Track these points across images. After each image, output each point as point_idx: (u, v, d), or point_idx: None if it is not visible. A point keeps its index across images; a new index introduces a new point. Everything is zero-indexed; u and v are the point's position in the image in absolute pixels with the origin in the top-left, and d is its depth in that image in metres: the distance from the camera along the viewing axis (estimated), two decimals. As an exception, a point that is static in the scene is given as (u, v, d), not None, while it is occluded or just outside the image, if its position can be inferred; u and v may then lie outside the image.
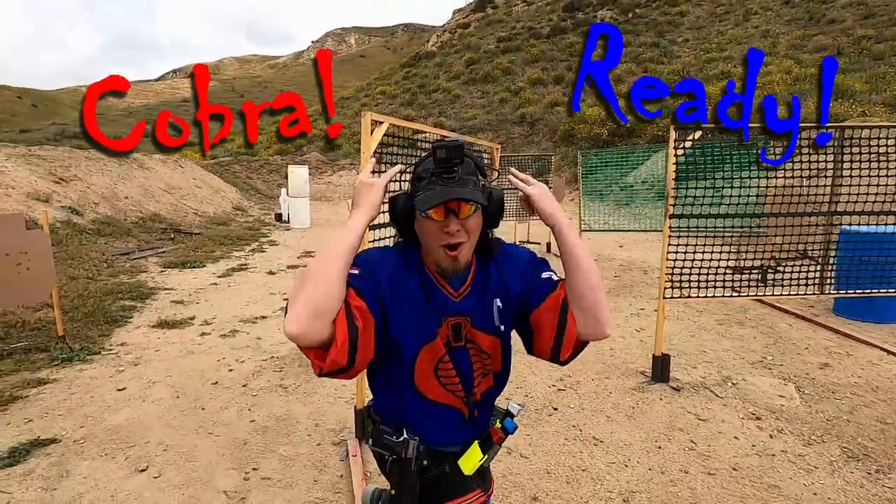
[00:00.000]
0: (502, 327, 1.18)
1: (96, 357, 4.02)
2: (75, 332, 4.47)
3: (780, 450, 2.67)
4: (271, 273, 7.46)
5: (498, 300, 1.16)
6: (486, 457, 1.25)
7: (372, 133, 2.55)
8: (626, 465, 2.52)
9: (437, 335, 1.12)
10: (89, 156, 13.54)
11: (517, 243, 8.04)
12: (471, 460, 1.24)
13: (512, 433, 1.26)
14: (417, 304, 1.09)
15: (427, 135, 3.18)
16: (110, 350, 4.19)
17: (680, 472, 2.46)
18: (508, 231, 10.54)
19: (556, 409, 3.12)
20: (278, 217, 15.26)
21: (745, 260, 5.38)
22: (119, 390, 3.43)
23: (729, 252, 4.38)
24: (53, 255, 7.34)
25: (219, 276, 7.16)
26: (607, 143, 18.18)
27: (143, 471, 2.50)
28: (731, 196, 3.67)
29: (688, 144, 3.21)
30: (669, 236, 3.31)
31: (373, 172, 1.24)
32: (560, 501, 2.25)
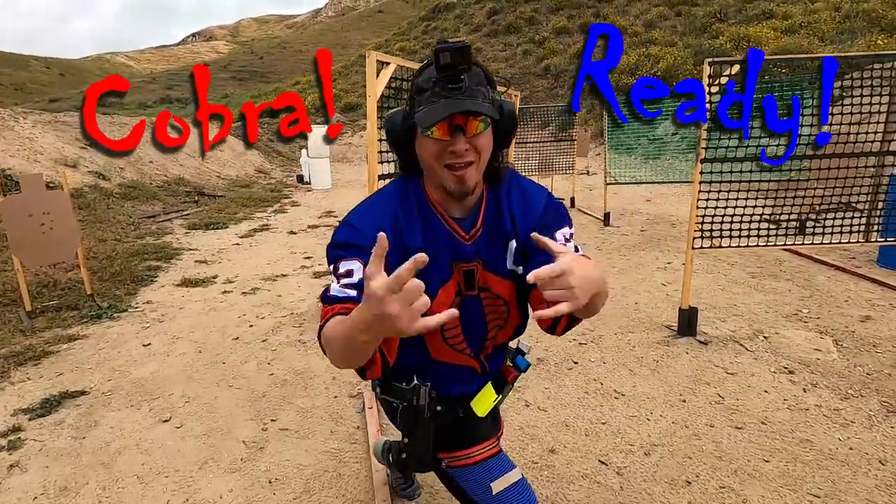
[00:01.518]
0: (519, 269, 1.06)
1: (123, 314, 4.12)
2: (104, 291, 4.58)
3: (815, 404, 2.54)
4: (292, 233, 7.49)
5: (513, 241, 1.04)
6: (499, 397, 1.20)
7: (378, 75, 2.40)
8: (649, 419, 2.44)
9: (449, 283, 1.04)
10: (113, 121, 13.68)
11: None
12: (484, 402, 1.18)
13: (525, 371, 1.20)
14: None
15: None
16: (136, 308, 4.29)
17: (705, 426, 2.37)
18: (531, 187, 10.27)
19: (576, 363, 3.05)
20: (300, 178, 15.27)
21: (782, 211, 5.05)
22: (145, 345, 3.51)
23: (765, 201, 4.12)
24: (82, 219, 7.58)
25: (241, 237, 7.23)
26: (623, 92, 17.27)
27: (166, 421, 2.56)
28: (768, 139, 3.39)
29: (723, 81, 2.93)
30: (700, 182, 3.09)
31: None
32: (578, 454, 2.20)
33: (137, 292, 4.71)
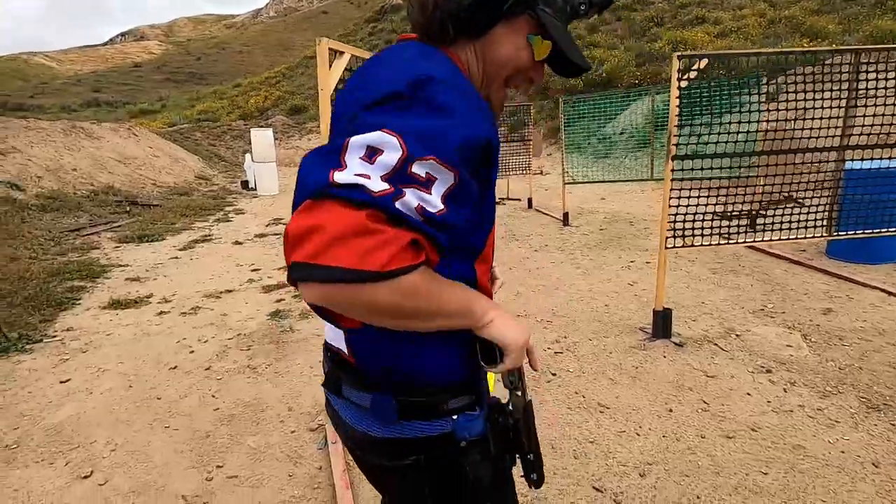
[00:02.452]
0: None
1: (37, 346, 3.57)
2: (13, 319, 3.98)
3: (797, 404, 2.48)
4: (238, 243, 6.96)
5: None
6: None
7: (331, 66, 2.11)
8: (638, 434, 2.28)
9: None
10: (28, 125, 12.43)
11: (497, 200, 7.64)
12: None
13: None
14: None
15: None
16: (54, 336, 3.74)
17: (697, 438, 2.24)
18: (487, 188, 10.16)
19: (554, 374, 2.87)
20: (244, 184, 14.48)
21: (735, 205, 5.15)
22: (62, 382, 3.02)
23: (726, 197, 4.13)
24: (-8, 236, 6.70)
25: (180, 249, 6.64)
26: (583, 94, 17.71)
27: (86, 477, 2.15)
28: (735, 134, 3.36)
29: (692, 75, 2.85)
30: (672, 180, 3.00)
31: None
32: (570, 481, 2.00)
33: (56, 318, 4.13)
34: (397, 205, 0.54)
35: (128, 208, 9.97)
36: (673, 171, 3.00)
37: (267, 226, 8.22)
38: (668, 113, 7.43)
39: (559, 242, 6.10)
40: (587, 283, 4.48)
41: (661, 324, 3.23)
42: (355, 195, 0.54)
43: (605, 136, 13.26)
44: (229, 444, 2.34)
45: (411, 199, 0.55)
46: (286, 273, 0.57)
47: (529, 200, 8.68)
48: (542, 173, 13.27)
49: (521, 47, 0.73)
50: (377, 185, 0.54)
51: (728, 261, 4.89)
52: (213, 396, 2.80)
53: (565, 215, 7.06)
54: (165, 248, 6.80)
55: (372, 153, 0.56)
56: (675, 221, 3.11)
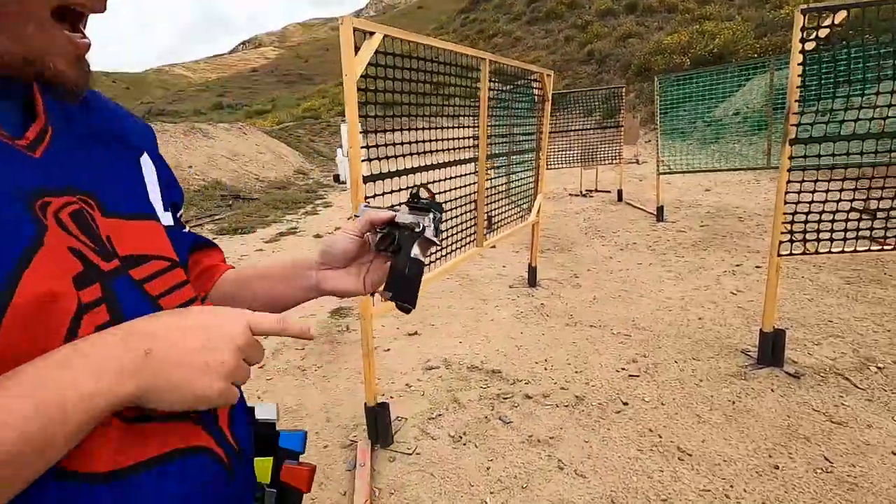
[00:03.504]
0: (169, 213, 0.57)
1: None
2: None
3: (971, 476, 1.81)
4: (318, 236, 7.15)
5: (147, 155, 0.57)
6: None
7: (358, 51, 1.87)
8: (728, 496, 1.80)
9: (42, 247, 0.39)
10: (157, 129, 13.99)
11: (583, 192, 6.96)
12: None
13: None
14: None
15: (435, 52, 2.44)
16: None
17: (812, 512, 1.71)
18: (573, 179, 9.51)
19: (625, 403, 2.42)
20: (336, 178, 15.07)
21: (880, 200, 4.12)
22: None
23: (868, 191, 3.29)
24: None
25: (266, 242, 6.96)
26: (687, 73, 15.99)
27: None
28: (885, 108, 2.60)
29: (822, 34, 2.20)
30: (790, 170, 2.37)
31: None
32: (629, 551, 1.60)
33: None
34: None
35: (230, 202, 10.81)
36: (792, 157, 2.37)
37: (348, 219, 8.38)
38: (818, 68, 6.31)
39: (650, 241, 5.42)
40: (679, 290, 3.86)
41: (771, 347, 2.61)
42: None
43: (715, 119, 11.81)
44: (261, 455, 2.25)
45: None
46: None
47: (619, 192, 7.93)
48: (637, 162, 12.20)
49: None
50: None
51: (868, 267, 3.95)
52: (259, 398, 2.75)
53: (659, 209, 6.29)
54: (254, 240, 7.18)
55: None
56: (792, 221, 2.47)
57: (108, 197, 0.48)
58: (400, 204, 0.68)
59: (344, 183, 14.05)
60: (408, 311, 0.63)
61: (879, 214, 2.47)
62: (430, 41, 2.22)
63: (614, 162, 8.01)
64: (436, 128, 2.55)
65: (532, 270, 4.23)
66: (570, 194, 8.73)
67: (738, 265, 4.35)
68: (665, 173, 6.43)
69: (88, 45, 0.45)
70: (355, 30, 1.83)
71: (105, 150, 0.52)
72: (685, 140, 10.94)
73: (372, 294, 0.69)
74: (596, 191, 8.82)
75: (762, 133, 8.53)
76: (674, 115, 8.32)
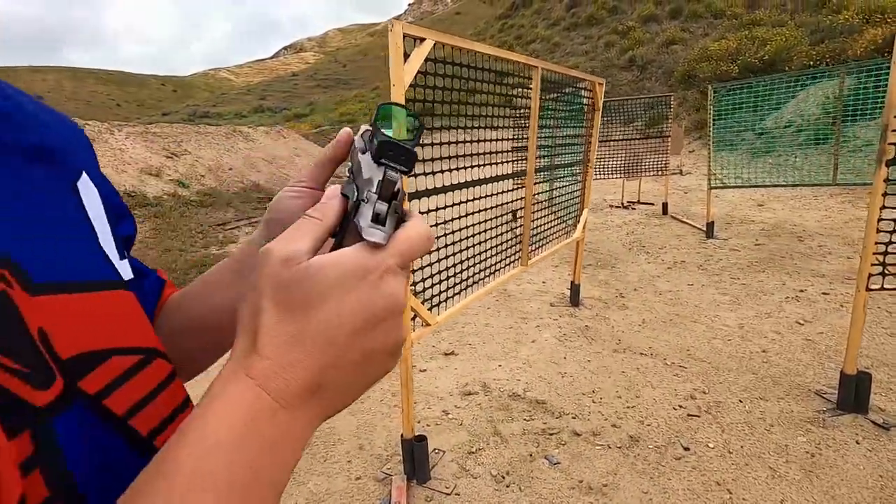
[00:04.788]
0: (126, 261, 0.38)
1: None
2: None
3: None
4: (352, 243, 7.11)
5: (86, 175, 0.37)
6: None
7: (407, 58, 1.74)
8: (818, 574, 1.55)
9: None
10: (200, 131, 14.40)
11: (624, 204, 6.66)
12: None
13: None
14: None
15: (485, 57, 2.28)
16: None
17: None
18: (614, 190, 9.18)
19: (686, 448, 2.18)
20: (370, 183, 15.19)
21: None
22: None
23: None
24: (156, 228, 7.74)
25: (300, 247, 6.97)
26: (737, 80, 15.33)
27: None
28: None
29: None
30: (885, 194, 2.10)
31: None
32: None
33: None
34: None
35: (266, 204, 10.95)
36: (888, 180, 2.10)
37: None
38: (860, 100, 5.84)
39: (700, 259, 5.10)
40: (736, 317, 3.57)
41: (855, 393, 2.33)
42: None
43: (766, 131, 11.23)
44: (290, 484, 2.13)
45: None
46: None
47: (664, 205, 7.57)
48: (681, 173, 11.71)
49: None
50: None
51: (956, 300, 3.56)
52: (290, 417, 2.64)
53: (709, 225, 5.94)
54: (289, 244, 7.19)
55: None
56: (886, 252, 2.18)
57: (33, 259, 0.29)
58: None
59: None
60: None
61: None
62: (485, 48, 2.06)
63: (659, 173, 7.67)
64: (483, 140, 2.39)
65: (575, 288, 4.01)
66: (610, 206, 8.41)
67: (801, 291, 4.01)
68: (718, 187, 6.07)
69: None
70: (406, 35, 1.70)
71: (20, 180, 0.31)
72: (733, 151, 10.45)
73: None
74: (639, 202, 8.47)
75: (821, 146, 8.01)
76: (725, 125, 7.92)
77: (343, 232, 0.31)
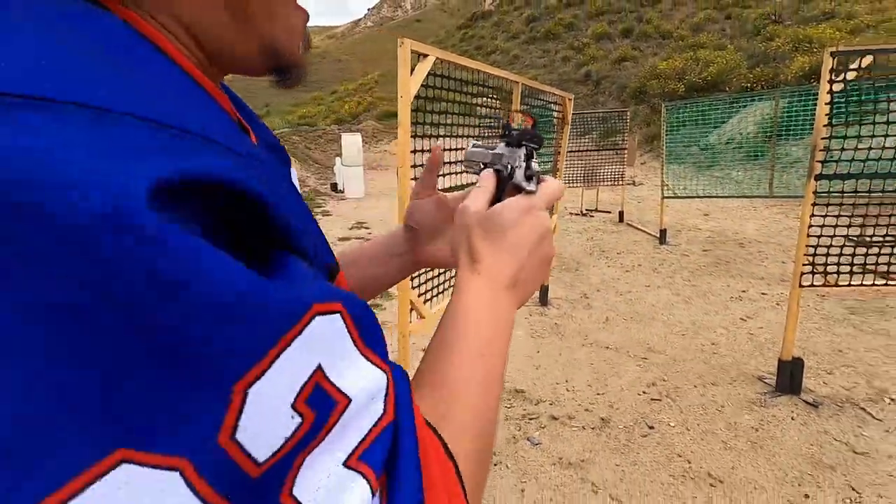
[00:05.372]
0: None
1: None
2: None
3: None
4: (321, 246, 7.12)
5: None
6: None
7: (413, 71, 1.91)
8: (764, 524, 1.83)
9: None
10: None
11: (584, 212, 7.00)
12: None
13: None
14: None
15: (484, 76, 2.49)
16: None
17: (847, 542, 1.74)
18: (573, 199, 9.64)
19: (651, 427, 2.45)
20: (333, 187, 15.07)
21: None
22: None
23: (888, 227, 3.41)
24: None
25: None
26: (683, 99, 16.38)
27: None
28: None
29: (850, 76, 2.30)
30: (814, 204, 2.46)
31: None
32: (674, 579, 1.62)
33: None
34: None
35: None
36: (816, 192, 2.46)
37: (350, 229, 8.37)
38: (791, 121, 6.46)
39: (655, 263, 5.51)
40: (689, 315, 3.93)
41: (790, 376, 2.67)
42: None
43: (708, 146, 12.11)
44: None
45: None
46: None
47: (621, 213, 8.05)
48: (633, 184, 12.40)
49: None
50: None
51: (871, 299, 4.06)
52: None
53: (662, 232, 6.41)
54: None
55: None
56: (814, 255, 2.55)
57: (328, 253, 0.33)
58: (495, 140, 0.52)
59: (342, 192, 14.05)
60: None
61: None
62: (480, 66, 2.27)
63: (616, 183, 8.15)
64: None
65: (544, 289, 4.26)
66: (571, 213, 8.84)
67: (743, 291, 4.44)
68: (669, 197, 6.56)
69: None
70: (412, 52, 1.87)
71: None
72: (681, 164, 11.19)
73: None
74: (597, 210, 8.94)
75: (759, 161, 8.76)
76: (674, 139, 8.52)
77: (501, 193, 0.48)
